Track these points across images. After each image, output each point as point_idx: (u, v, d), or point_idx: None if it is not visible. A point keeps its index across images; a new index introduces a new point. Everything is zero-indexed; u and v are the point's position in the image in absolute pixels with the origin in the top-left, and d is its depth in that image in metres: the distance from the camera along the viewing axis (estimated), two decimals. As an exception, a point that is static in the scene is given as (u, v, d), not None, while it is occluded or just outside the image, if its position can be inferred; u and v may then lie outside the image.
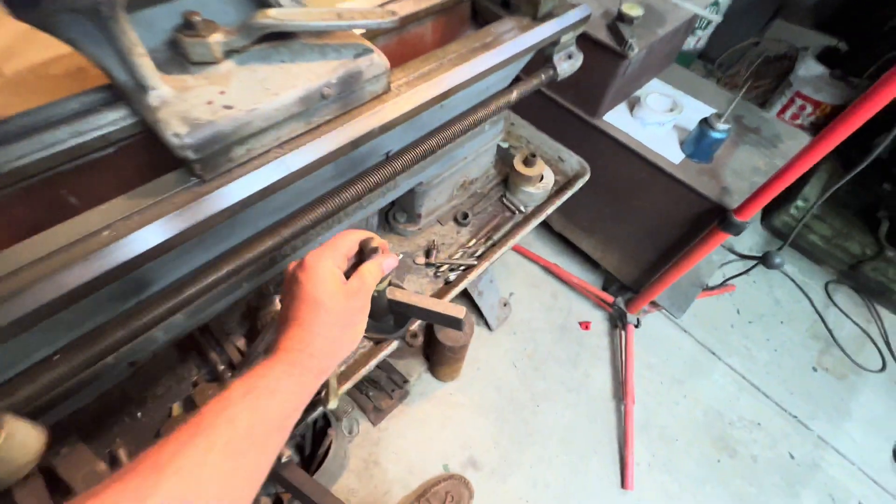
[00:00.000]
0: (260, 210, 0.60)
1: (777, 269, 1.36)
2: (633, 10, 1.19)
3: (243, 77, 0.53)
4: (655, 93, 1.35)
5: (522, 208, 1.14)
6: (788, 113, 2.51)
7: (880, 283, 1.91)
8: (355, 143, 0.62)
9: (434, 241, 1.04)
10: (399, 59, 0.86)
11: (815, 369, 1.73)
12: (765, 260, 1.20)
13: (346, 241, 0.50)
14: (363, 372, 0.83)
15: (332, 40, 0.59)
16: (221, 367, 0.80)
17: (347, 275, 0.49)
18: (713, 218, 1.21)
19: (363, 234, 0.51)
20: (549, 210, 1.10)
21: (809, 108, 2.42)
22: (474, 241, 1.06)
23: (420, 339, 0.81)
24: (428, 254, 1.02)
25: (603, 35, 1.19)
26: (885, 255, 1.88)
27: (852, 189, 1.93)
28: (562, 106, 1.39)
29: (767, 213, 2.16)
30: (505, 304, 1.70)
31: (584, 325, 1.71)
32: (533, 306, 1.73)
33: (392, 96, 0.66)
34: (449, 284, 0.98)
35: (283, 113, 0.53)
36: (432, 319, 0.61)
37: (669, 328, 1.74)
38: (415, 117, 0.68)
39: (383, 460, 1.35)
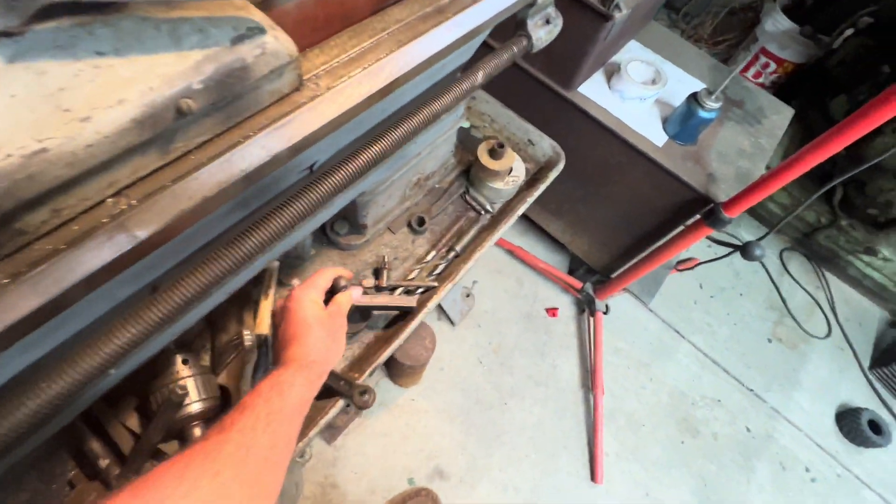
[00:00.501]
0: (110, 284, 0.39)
1: (756, 261, 1.30)
2: (618, -42, 0.97)
3: (19, 85, 0.30)
4: (636, 60, 1.16)
5: (489, 207, 0.96)
6: (752, 71, 2.42)
7: (831, 251, 1.94)
8: (250, 178, 0.41)
9: (384, 256, 0.85)
10: (318, 26, 0.61)
11: (769, 340, 1.77)
12: (744, 251, 1.11)
13: (323, 277, 0.63)
14: (317, 428, 0.67)
15: (190, 12, 0.36)
16: (106, 462, 0.60)
17: (326, 302, 0.62)
18: (697, 207, 1.10)
19: (337, 272, 0.65)
20: (521, 209, 0.93)
21: (773, 66, 2.34)
22: (433, 253, 0.88)
23: (372, 398, 0.66)
24: (377, 274, 0.83)
25: (582, -11, 0.97)
26: (839, 223, 1.90)
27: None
28: (530, 75, 1.18)
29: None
30: (468, 295, 1.56)
31: (551, 312, 1.62)
32: (497, 295, 1.61)
33: (306, 95, 0.44)
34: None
35: (107, 149, 0.32)
36: (390, 311, 0.76)
37: (635, 309, 1.69)
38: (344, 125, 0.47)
39: (342, 482, 1.23)
